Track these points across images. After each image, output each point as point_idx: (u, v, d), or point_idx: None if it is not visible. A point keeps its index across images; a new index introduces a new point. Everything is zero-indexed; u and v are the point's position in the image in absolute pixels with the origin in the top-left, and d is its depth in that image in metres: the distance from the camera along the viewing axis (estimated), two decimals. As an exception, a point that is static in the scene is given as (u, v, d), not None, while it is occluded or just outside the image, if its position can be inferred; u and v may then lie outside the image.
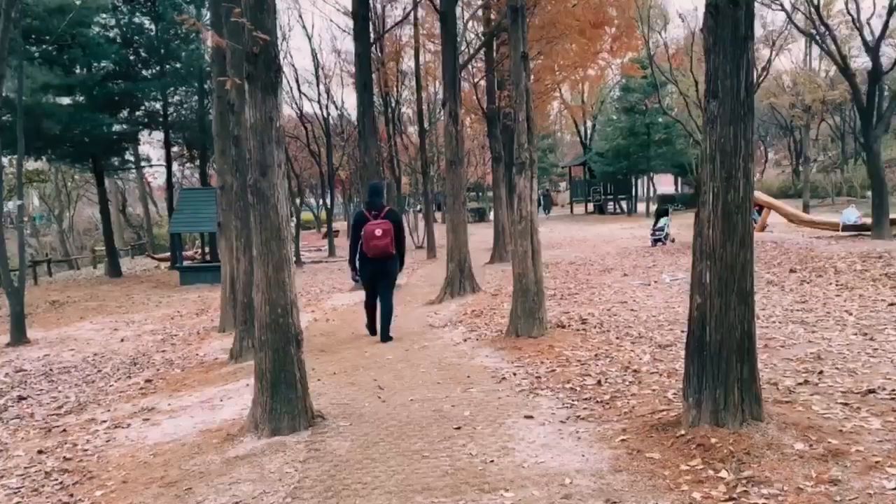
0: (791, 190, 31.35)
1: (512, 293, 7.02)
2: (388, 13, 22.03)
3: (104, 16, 20.40)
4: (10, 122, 16.38)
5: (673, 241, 16.23)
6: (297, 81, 25.25)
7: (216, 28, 8.12)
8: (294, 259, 6.30)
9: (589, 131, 41.92)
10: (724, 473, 3.07)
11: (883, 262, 9.32)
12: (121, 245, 32.07)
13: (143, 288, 17.81)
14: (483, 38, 16.62)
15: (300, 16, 41.13)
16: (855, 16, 14.28)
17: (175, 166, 27.97)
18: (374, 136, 12.91)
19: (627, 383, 4.78)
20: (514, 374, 5.30)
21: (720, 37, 3.40)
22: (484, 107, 17.03)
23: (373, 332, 7.44)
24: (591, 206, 36.88)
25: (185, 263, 19.66)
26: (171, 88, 21.65)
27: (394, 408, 4.63)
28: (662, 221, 16.59)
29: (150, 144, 29.64)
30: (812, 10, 14.79)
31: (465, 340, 6.94)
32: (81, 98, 19.57)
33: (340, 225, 34.36)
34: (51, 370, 8.25)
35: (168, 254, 23.39)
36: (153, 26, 21.15)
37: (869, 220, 13.70)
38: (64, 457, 4.62)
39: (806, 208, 22.31)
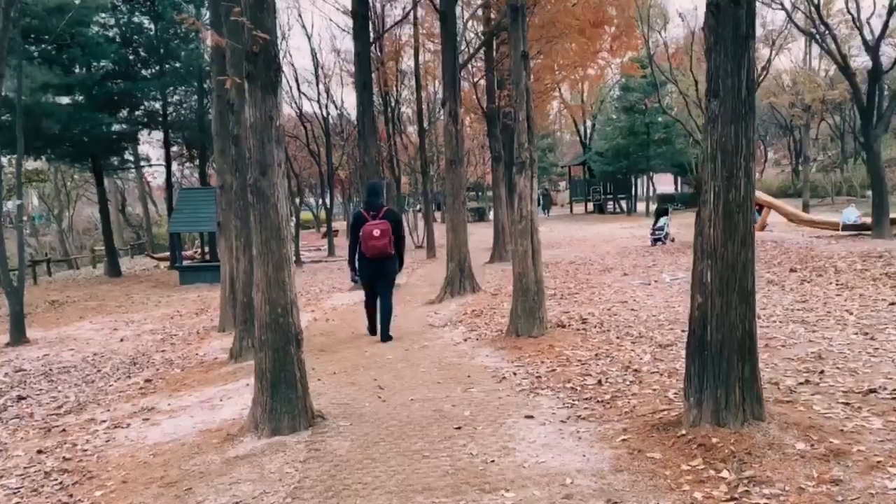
0: (791, 189, 31.36)
1: (512, 293, 7.01)
2: (387, 12, 22.05)
3: (103, 15, 20.38)
4: (9, 121, 16.38)
5: (673, 240, 16.23)
6: (296, 81, 25.25)
7: (216, 27, 8.11)
8: (294, 259, 6.29)
9: (588, 131, 41.93)
10: (725, 473, 3.07)
11: (883, 262, 9.32)
12: (120, 245, 32.06)
13: (143, 287, 17.80)
14: (483, 37, 16.62)
15: (300, 15, 41.27)
16: (855, 15, 14.28)
17: (174, 166, 27.96)
18: (373, 136, 12.89)
19: (628, 383, 4.77)
20: (515, 374, 5.29)
21: (721, 35, 3.39)
22: (484, 106, 17.02)
23: (373, 332, 7.43)
24: (590, 206, 36.89)
25: (185, 263, 19.65)
26: (171, 88, 21.63)
27: (394, 407, 4.62)
28: (662, 221, 16.59)
29: (150, 144, 29.66)
30: (812, 9, 14.79)
31: (465, 340, 6.94)
32: (81, 97, 19.55)
33: (340, 224, 34.34)
34: (50, 370, 8.24)
35: (167, 253, 23.38)
36: (152, 26, 21.13)
37: (869, 220, 13.70)
38: (63, 457, 4.61)
39: (806, 208, 22.32)
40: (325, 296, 12.67)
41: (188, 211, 18.84)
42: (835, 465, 3.06)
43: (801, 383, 4.37)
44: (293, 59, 40.42)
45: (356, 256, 7.10)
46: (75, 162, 22.77)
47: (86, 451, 4.71)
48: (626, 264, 12.65)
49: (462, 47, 16.37)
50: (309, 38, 57.01)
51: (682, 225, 18.71)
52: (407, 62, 24.00)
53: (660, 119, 30.75)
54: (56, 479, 4.16)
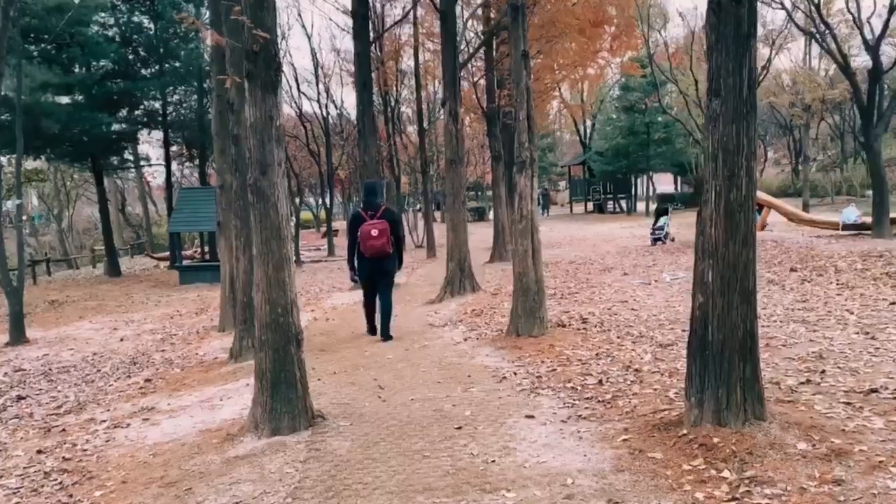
0: (790, 189, 31.36)
1: (512, 292, 7.00)
2: (387, 12, 22.02)
3: (103, 15, 20.35)
4: (9, 121, 16.36)
5: (673, 240, 16.22)
6: (296, 80, 25.18)
7: (215, 26, 8.09)
8: (293, 258, 6.29)
9: (588, 130, 41.92)
10: (726, 473, 3.06)
11: (884, 261, 9.31)
12: (120, 244, 32.04)
13: (143, 287, 17.79)
14: (483, 36, 16.61)
15: (299, 14, 41.10)
16: (855, 14, 14.27)
17: (174, 165, 27.93)
18: (373, 136, 12.88)
19: (629, 382, 4.77)
20: (515, 374, 5.29)
21: (723, 34, 3.38)
22: (483, 106, 17.01)
23: (372, 332, 7.43)
24: (590, 206, 36.88)
25: (185, 263, 19.64)
26: (171, 87, 21.60)
27: (394, 407, 4.62)
28: (662, 220, 16.59)
29: (150, 144, 29.59)
30: (812, 8, 14.78)
31: (465, 340, 6.93)
32: (80, 97, 19.52)
33: (340, 224, 34.31)
34: (50, 370, 8.23)
35: (167, 253, 23.37)
36: (152, 25, 21.10)
37: (869, 220, 13.69)
38: (63, 457, 4.60)
39: (806, 207, 22.31)
40: (325, 295, 12.66)
41: (188, 211, 18.82)
42: (836, 465, 3.06)
43: (802, 383, 4.36)
44: (293, 59, 40.47)
45: (355, 256, 7.10)
46: (75, 161, 22.75)
47: (85, 450, 4.70)
48: (626, 264, 12.64)
49: (462, 47, 16.37)
50: (309, 38, 56.89)
51: (681, 224, 18.70)
52: (407, 62, 24.02)
53: (660, 119, 30.74)
54: (56, 479, 4.16)
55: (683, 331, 6.02)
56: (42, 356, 9.18)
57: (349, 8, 14.03)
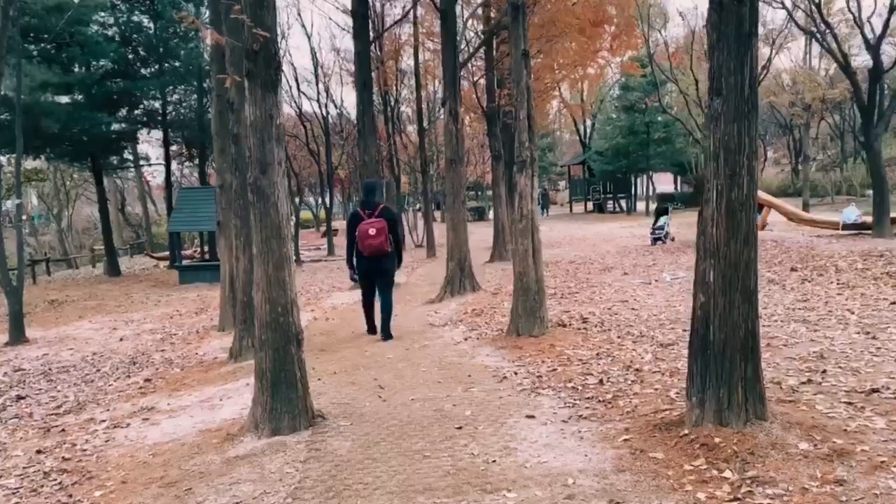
0: (790, 188, 31.37)
1: (512, 292, 6.99)
2: (387, 12, 22.01)
3: (103, 14, 20.34)
4: (8, 120, 16.34)
5: (673, 239, 16.21)
6: (296, 80, 25.20)
7: (215, 25, 8.08)
8: (294, 258, 6.28)
9: (588, 130, 41.92)
10: (728, 473, 3.05)
11: (884, 261, 9.30)
12: (120, 244, 32.03)
13: (142, 287, 17.77)
14: (483, 36, 16.60)
15: (299, 14, 41.03)
16: (855, 14, 14.26)
17: (174, 165, 27.91)
18: (373, 135, 12.87)
19: (629, 382, 4.76)
20: (516, 374, 5.28)
21: (724, 33, 3.37)
22: (483, 105, 17.00)
23: (372, 331, 7.43)
24: (590, 205, 36.88)
25: (185, 262, 19.62)
26: (170, 87, 21.58)
27: (395, 407, 4.61)
28: (662, 220, 16.58)
29: (149, 143, 29.60)
30: (813, 7, 14.77)
31: (465, 339, 6.92)
32: (80, 97, 19.50)
33: (339, 224, 34.31)
34: (49, 369, 8.22)
35: (167, 253, 23.36)
36: (152, 25, 21.08)
37: (869, 219, 13.69)
38: (63, 457, 4.59)
39: (806, 207, 22.31)
40: (325, 295, 12.65)
41: (188, 210, 18.81)
42: (838, 465, 3.05)
43: (803, 383, 4.35)
44: (293, 59, 40.39)
45: (354, 255, 7.11)
46: (74, 161, 22.73)
47: (85, 450, 4.69)
48: (626, 263, 12.64)
49: (462, 46, 16.36)
50: (308, 38, 56.75)
51: (681, 224, 18.69)
52: (407, 61, 24.01)
53: (659, 118, 30.74)
54: (55, 480, 4.14)
55: (684, 330, 6.02)
56: (42, 356, 9.17)
57: (349, 7, 14.03)
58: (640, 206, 34.04)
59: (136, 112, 21.99)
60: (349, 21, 14.89)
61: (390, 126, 23.79)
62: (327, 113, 24.50)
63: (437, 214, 29.23)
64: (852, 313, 6.47)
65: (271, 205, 4.21)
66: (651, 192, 35.02)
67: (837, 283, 8.22)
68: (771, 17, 40.70)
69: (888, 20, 13.23)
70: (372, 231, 6.84)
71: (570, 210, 38.28)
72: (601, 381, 4.83)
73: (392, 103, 23.96)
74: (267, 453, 3.91)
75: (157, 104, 21.96)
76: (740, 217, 3.40)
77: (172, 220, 19.78)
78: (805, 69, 28.40)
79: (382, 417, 4.39)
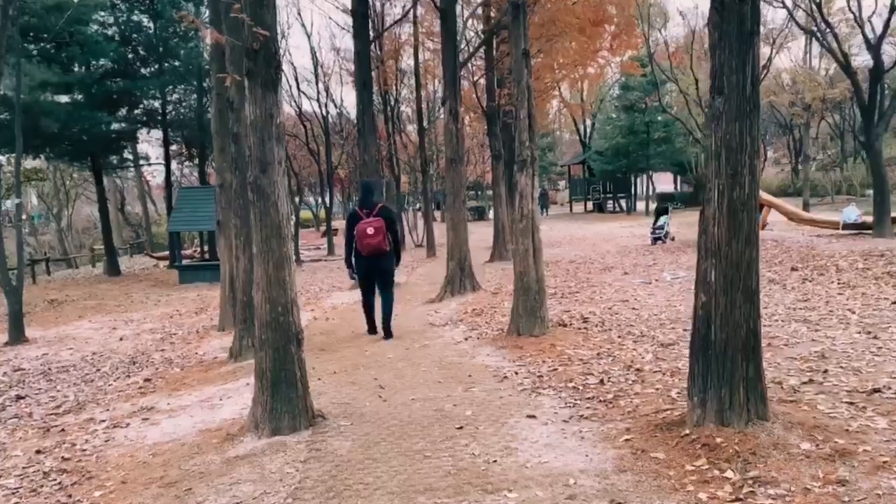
0: (790, 188, 31.36)
1: (513, 291, 6.98)
2: (387, 11, 22.00)
3: (102, 13, 20.33)
4: (8, 120, 16.33)
5: (673, 239, 16.20)
6: (296, 80, 25.20)
7: (215, 25, 8.06)
8: (294, 257, 6.27)
9: (588, 130, 41.91)
10: (729, 473, 3.04)
11: (885, 261, 9.29)
12: (119, 244, 32.01)
13: (142, 287, 17.76)
14: (483, 36, 16.59)
15: (299, 13, 41.16)
16: (856, 13, 14.24)
17: (174, 165, 27.89)
18: (373, 135, 12.86)
19: (630, 382, 4.75)
20: (516, 373, 5.27)
21: (726, 32, 3.36)
22: (483, 105, 16.99)
23: (372, 331, 7.42)
24: (590, 205, 36.87)
25: (184, 262, 19.62)
26: (170, 87, 21.57)
27: (395, 407, 4.60)
28: (662, 220, 16.58)
29: (149, 143, 29.66)
30: (813, 7, 14.76)
31: (465, 339, 6.91)
32: (80, 96, 19.49)
33: (339, 223, 34.31)
34: (49, 369, 8.20)
35: (167, 252, 23.35)
36: (152, 24, 21.06)
37: (869, 219, 13.68)
38: (62, 457, 4.58)
39: (806, 207, 22.30)
40: (325, 295, 12.64)
41: (187, 210, 18.80)
42: (840, 465, 3.04)
43: (804, 383, 4.34)
44: (293, 58, 40.37)
45: (352, 254, 7.12)
46: (74, 161, 22.72)
47: (85, 450, 4.68)
48: (626, 263, 12.63)
49: (462, 46, 16.34)
50: (308, 37, 56.80)
51: (681, 224, 18.68)
52: (406, 61, 24.00)
53: (659, 118, 30.74)
54: (55, 480, 4.13)
55: (685, 330, 6.01)
56: (41, 356, 9.16)
57: (349, 7, 14.02)
58: (640, 205, 34.03)
59: (136, 111, 21.99)
60: (349, 20, 14.88)
61: (390, 125, 23.78)
62: (327, 112, 24.52)
63: (437, 214, 29.22)
64: (853, 313, 6.46)
65: (271, 204, 4.20)
66: (651, 192, 35.02)
67: (838, 283, 8.21)
68: (771, 16, 40.61)
69: (889, 20, 13.22)
70: (370, 230, 6.85)
71: (570, 210, 38.28)
72: (602, 381, 4.82)
73: (392, 103, 23.95)
74: (267, 453, 3.90)
75: (156, 103, 21.95)
76: (742, 216, 3.39)
77: (172, 219, 19.77)
78: (805, 69, 28.38)
79: (383, 417, 4.38)
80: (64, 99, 19.62)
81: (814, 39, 20.63)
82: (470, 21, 18.19)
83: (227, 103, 7.77)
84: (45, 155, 21.22)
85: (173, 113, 22.31)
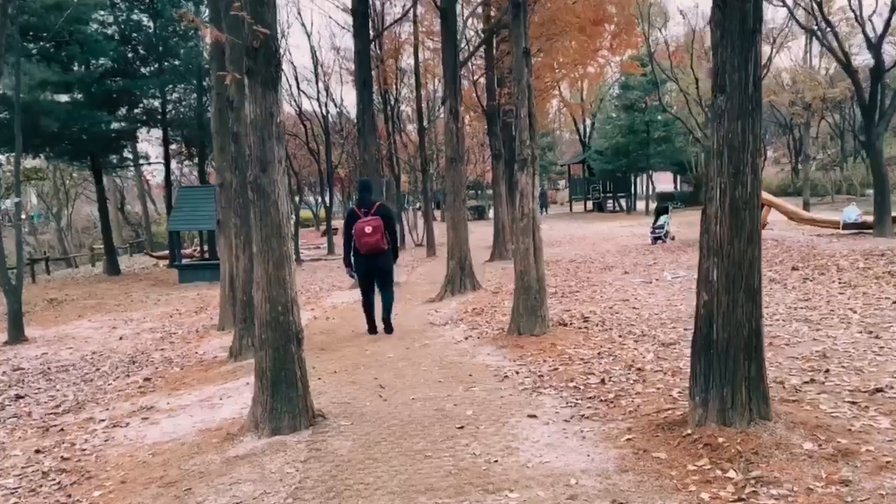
0: (790, 188, 31.36)
1: (513, 291, 6.97)
2: (387, 10, 21.99)
3: (102, 13, 20.31)
4: (7, 119, 16.32)
5: (673, 238, 16.20)
6: (296, 79, 25.17)
7: (215, 23, 8.05)
8: (294, 256, 6.26)
9: (588, 129, 41.89)
10: (732, 473, 3.03)
11: (886, 260, 9.28)
12: (119, 243, 31.99)
13: (142, 286, 17.75)
14: (483, 35, 16.57)
15: (299, 13, 41.12)
16: (857, 12, 14.23)
17: (174, 164, 27.92)
18: (373, 134, 12.85)
19: (632, 382, 4.73)
20: (517, 373, 5.25)
21: (728, 30, 3.35)
22: (484, 104, 16.98)
23: (373, 330, 7.41)
24: (590, 204, 36.87)
25: (184, 261, 19.61)
26: (170, 86, 21.58)
27: (395, 407, 4.58)
28: (662, 219, 16.57)
29: (149, 142, 29.67)
30: (814, 6, 14.74)
31: (466, 338, 6.90)
32: (79, 95, 19.48)
33: (339, 223, 34.29)
34: (49, 369, 8.19)
35: (167, 252, 23.34)
36: (151, 23, 21.06)
37: (870, 219, 13.67)
38: (62, 456, 4.56)
39: (806, 206, 22.29)
40: (325, 294, 12.62)
41: (187, 209, 18.79)
42: (843, 465, 3.02)
43: (806, 382, 4.33)
44: (292, 57, 40.30)
45: (351, 253, 7.13)
46: (74, 160, 22.71)
47: (84, 450, 4.66)
48: (626, 262, 12.62)
49: (462, 45, 16.33)
50: (308, 36, 56.99)
51: (681, 223, 18.67)
52: (406, 60, 23.99)
53: (659, 117, 30.75)
54: (54, 479, 4.12)
55: (686, 329, 6.00)
56: (41, 355, 9.14)
57: (349, 6, 14.01)
58: (640, 205, 34.03)
59: (136, 111, 21.98)
60: (349, 19, 14.87)
61: (390, 125, 23.78)
62: (327, 112, 24.51)
63: (437, 213, 29.21)
64: (854, 312, 6.44)
65: (271, 203, 4.18)
66: (651, 192, 35.02)
67: (839, 283, 8.20)
68: (772, 15, 40.51)
69: (889, 19, 13.20)
70: (368, 229, 6.86)
71: (570, 209, 38.27)
72: (603, 381, 4.80)
73: (392, 102, 23.95)
74: (267, 453, 3.89)
75: (156, 103, 21.95)
76: (744, 215, 3.38)
77: (172, 218, 19.75)
78: (805, 68, 28.36)
79: (383, 417, 4.36)
80: (63, 98, 19.61)
81: (814, 38, 20.60)
82: (470, 20, 18.18)
83: (226, 102, 7.75)
84: (45, 154, 21.21)
85: (173, 112, 22.30)
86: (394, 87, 23.95)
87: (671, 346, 5.74)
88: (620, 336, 6.30)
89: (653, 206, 26.60)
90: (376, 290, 7.36)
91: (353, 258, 7.16)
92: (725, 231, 3.39)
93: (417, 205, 31.09)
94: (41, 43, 18.31)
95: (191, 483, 3.63)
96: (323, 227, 30.00)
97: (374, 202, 7.12)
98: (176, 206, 19.93)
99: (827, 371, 4.54)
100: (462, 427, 4.02)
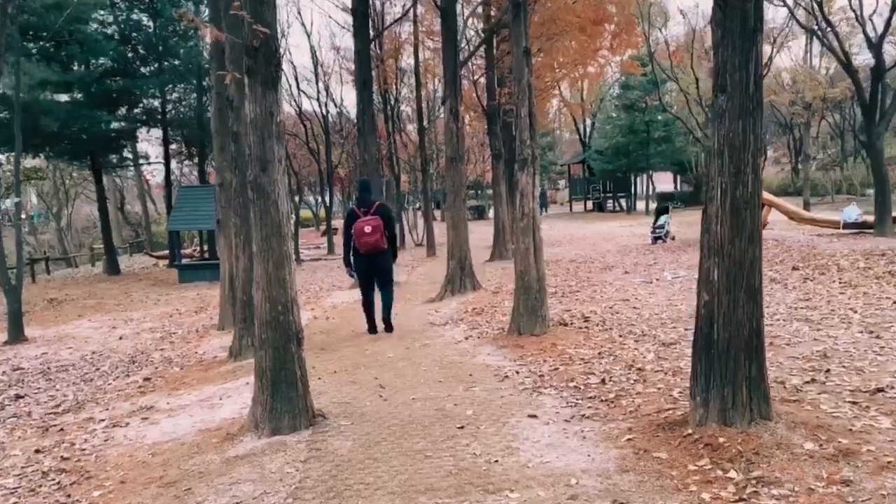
0: (791, 188, 31.36)
1: (513, 290, 6.96)
2: (387, 10, 21.98)
3: (102, 12, 20.30)
4: (7, 119, 16.31)
5: (673, 238, 16.20)
6: (296, 79, 25.15)
7: (215, 23, 8.05)
8: (294, 256, 6.25)
9: (588, 129, 41.89)
10: (732, 473, 3.02)
11: (886, 260, 9.28)
12: (119, 243, 31.99)
13: (142, 286, 17.74)
14: (483, 34, 16.57)
15: (299, 12, 40.96)
16: (857, 12, 14.22)
17: (173, 164, 27.90)
18: (373, 134, 12.85)
19: (632, 382, 4.73)
20: (517, 373, 5.25)
21: (729, 29, 3.34)
22: (484, 104, 16.98)
23: (373, 330, 7.41)
24: (590, 204, 36.86)
25: (184, 261, 19.60)
26: (170, 85, 21.57)
27: (395, 406, 4.58)
28: (662, 219, 16.57)
29: (149, 142, 29.67)
30: (814, 5, 14.74)
31: (466, 338, 6.89)
32: (79, 95, 19.48)
33: (339, 223, 34.27)
34: (49, 368, 8.19)
35: (167, 251, 23.33)
36: (151, 23, 21.06)
37: (870, 218, 13.66)
38: (61, 456, 4.56)
39: (806, 206, 22.29)
40: (325, 294, 12.62)
41: (187, 209, 18.79)
42: (844, 465, 3.02)
43: (807, 382, 4.32)
44: (292, 57, 40.25)
45: (350, 253, 7.14)
46: (74, 160, 22.71)
47: (84, 450, 4.66)
48: (626, 262, 12.61)
49: (462, 45, 16.32)
50: (308, 36, 56.97)
51: (682, 223, 18.67)
52: (407, 60, 23.99)
53: (659, 117, 30.74)
54: (54, 479, 4.11)
55: (686, 329, 5.99)
56: (41, 355, 9.14)
57: (349, 6, 14.00)
58: (640, 205, 34.02)
59: (136, 110, 21.98)
60: (349, 19, 14.87)
61: (390, 125, 23.77)
62: (327, 111, 24.51)
63: (437, 213, 29.21)
64: (855, 312, 6.44)
65: (271, 203, 4.17)
66: (651, 191, 35.01)
67: (840, 282, 8.19)
68: (772, 15, 40.44)
69: (890, 18, 13.20)
70: (367, 229, 6.87)
71: (570, 209, 38.26)
72: (603, 381, 4.80)
73: (392, 102, 23.94)
74: (267, 453, 3.88)
75: (156, 102, 21.95)
76: (745, 215, 3.37)
77: (172, 218, 19.75)
78: (805, 68, 28.34)
79: (383, 417, 4.36)
80: (63, 98, 19.60)
81: (814, 38, 20.60)
82: (470, 20, 18.18)
83: (226, 102, 7.74)
84: (45, 154, 21.20)
85: (173, 112, 22.30)
86: (394, 86, 23.94)
87: (672, 345, 5.74)
88: (621, 336, 6.29)
89: (653, 205, 26.60)
90: (376, 289, 7.36)
91: (352, 258, 7.17)
92: (726, 231, 3.39)
93: (417, 205, 31.09)
94: (41, 42, 18.30)
95: (190, 483, 3.62)
96: (323, 227, 29.99)
97: (373, 202, 7.13)
98: (176, 205, 19.93)
99: (828, 371, 4.54)
100: (462, 427, 4.01)
